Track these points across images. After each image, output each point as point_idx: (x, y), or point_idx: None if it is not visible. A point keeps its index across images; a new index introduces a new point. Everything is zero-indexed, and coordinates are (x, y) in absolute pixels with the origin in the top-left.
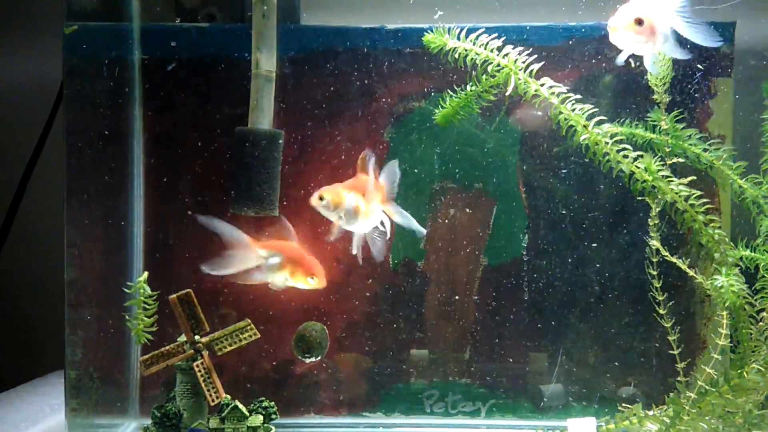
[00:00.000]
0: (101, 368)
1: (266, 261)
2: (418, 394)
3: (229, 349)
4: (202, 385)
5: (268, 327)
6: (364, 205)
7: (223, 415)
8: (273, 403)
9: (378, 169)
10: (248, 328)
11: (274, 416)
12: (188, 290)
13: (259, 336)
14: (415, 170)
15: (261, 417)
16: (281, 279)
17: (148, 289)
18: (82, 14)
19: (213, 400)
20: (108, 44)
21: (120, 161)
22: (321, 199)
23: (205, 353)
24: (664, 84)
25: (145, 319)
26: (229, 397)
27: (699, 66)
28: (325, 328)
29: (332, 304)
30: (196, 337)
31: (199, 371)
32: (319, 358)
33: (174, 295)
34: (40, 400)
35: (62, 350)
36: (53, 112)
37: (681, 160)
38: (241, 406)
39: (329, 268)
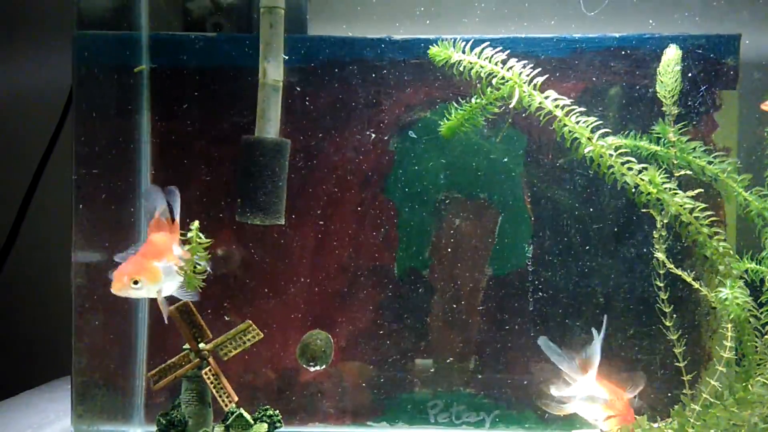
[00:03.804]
0: (107, 375)
1: (593, 395)
2: (423, 404)
3: (234, 352)
4: (214, 391)
5: (273, 335)
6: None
7: (228, 423)
8: (278, 411)
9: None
10: (250, 329)
11: (278, 425)
12: (185, 301)
13: (262, 336)
14: (421, 180)
15: (266, 425)
16: (593, 415)
17: (203, 237)
18: (91, 23)
19: (227, 405)
20: (117, 53)
21: (128, 169)
22: (136, 283)
23: (212, 360)
24: (673, 96)
25: (198, 265)
26: (234, 404)
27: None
28: (330, 336)
29: (337, 313)
30: (201, 345)
31: (209, 378)
32: (323, 367)
33: (173, 307)
34: (45, 407)
35: (67, 356)
36: (62, 119)
37: (689, 172)
38: (246, 414)
39: (334, 277)
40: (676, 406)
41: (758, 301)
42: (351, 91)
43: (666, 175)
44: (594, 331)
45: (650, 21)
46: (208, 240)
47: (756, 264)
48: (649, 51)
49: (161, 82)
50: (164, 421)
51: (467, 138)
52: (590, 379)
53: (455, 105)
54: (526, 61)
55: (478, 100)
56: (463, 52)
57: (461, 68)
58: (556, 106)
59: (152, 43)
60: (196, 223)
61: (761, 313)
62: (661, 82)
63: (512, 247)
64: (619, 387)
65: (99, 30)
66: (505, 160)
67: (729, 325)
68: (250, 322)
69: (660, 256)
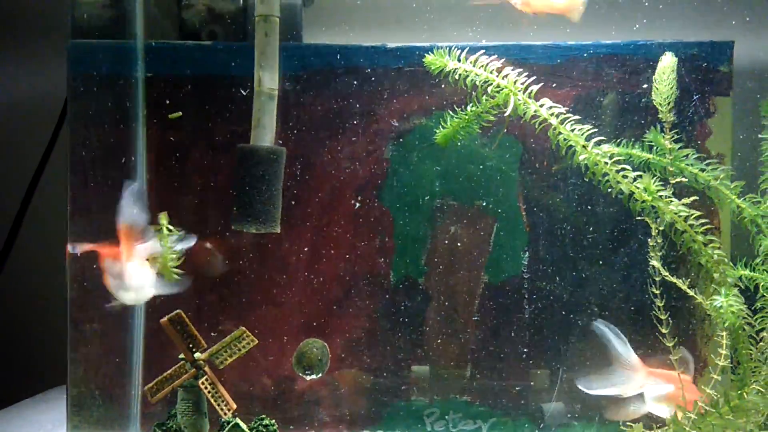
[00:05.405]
0: (103, 385)
1: (652, 389)
2: (419, 411)
3: (230, 360)
4: (212, 400)
5: (269, 344)
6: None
7: None
8: (273, 421)
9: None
10: (244, 336)
11: None
12: (178, 311)
13: (256, 342)
14: (416, 188)
15: None
16: (665, 411)
17: (173, 229)
18: (86, 31)
19: (225, 413)
20: (112, 61)
21: (123, 178)
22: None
23: (208, 369)
24: (668, 103)
25: (172, 256)
26: (231, 414)
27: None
28: (326, 345)
29: (333, 321)
30: (196, 355)
31: (206, 388)
32: (319, 375)
33: (165, 318)
34: (41, 417)
35: (64, 366)
36: (57, 127)
37: (683, 180)
38: (242, 423)
39: (330, 285)
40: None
41: (753, 308)
42: (346, 99)
43: (660, 183)
44: (601, 327)
45: (636, 27)
46: (178, 229)
47: (750, 271)
48: (642, 58)
49: (156, 90)
50: (160, 431)
51: (462, 146)
52: (643, 375)
53: (450, 113)
54: (520, 69)
55: (474, 108)
56: (459, 60)
57: (456, 76)
58: (551, 114)
59: (147, 52)
60: (164, 214)
61: (756, 320)
62: (657, 89)
63: (508, 254)
64: (670, 370)
65: (93, 39)
66: (501, 167)
67: (724, 333)
68: (244, 328)
69: (655, 263)
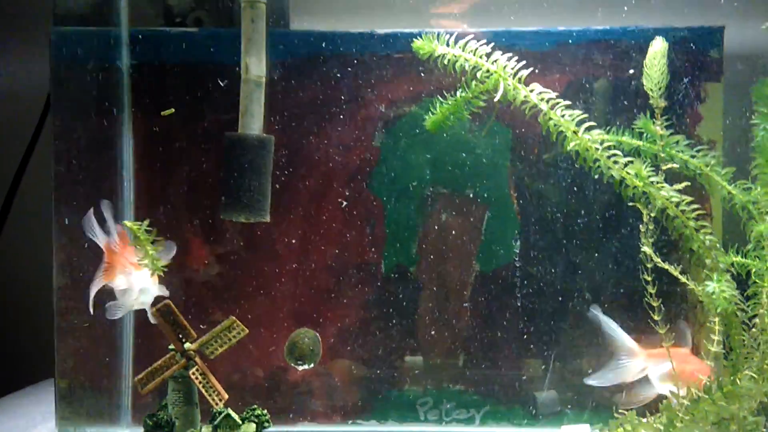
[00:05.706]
0: (92, 376)
1: (654, 371)
2: (412, 401)
3: (220, 350)
4: (203, 390)
5: (261, 335)
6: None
7: (216, 423)
8: (266, 411)
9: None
10: (235, 325)
11: (267, 424)
12: (167, 301)
13: (247, 331)
14: (406, 176)
15: (254, 425)
16: (669, 389)
17: (139, 223)
18: (69, 19)
19: (217, 404)
20: (96, 49)
21: (109, 167)
22: None
23: (198, 359)
24: (660, 89)
25: (153, 250)
26: (222, 404)
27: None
28: (318, 335)
29: (325, 311)
30: (186, 345)
31: (197, 378)
32: (311, 365)
33: (154, 309)
34: (31, 409)
35: (53, 358)
36: (42, 117)
37: (675, 166)
38: (233, 414)
39: (321, 274)
40: (664, 401)
41: (745, 294)
42: (334, 86)
43: (652, 169)
44: (595, 314)
45: (625, 9)
46: (146, 220)
47: (742, 257)
48: (632, 43)
49: (142, 78)
50: (151, 423)
51: (452, 133)
52: (642, 358)
53: (440, 99)
54: (510, 54)
55: (463, 94)
56: (447, 45)
57: (445, 62)
58: (541, 100)
59: (132, 39)
60: (129, 223)
61: (748, 306)
62: (648, 75)
63: (499, 242)
64: (664, 347)
65: (77, 26)
66: (491, 154)
67: (716, 319)
68: (234, 318)
69: (647, 249)
